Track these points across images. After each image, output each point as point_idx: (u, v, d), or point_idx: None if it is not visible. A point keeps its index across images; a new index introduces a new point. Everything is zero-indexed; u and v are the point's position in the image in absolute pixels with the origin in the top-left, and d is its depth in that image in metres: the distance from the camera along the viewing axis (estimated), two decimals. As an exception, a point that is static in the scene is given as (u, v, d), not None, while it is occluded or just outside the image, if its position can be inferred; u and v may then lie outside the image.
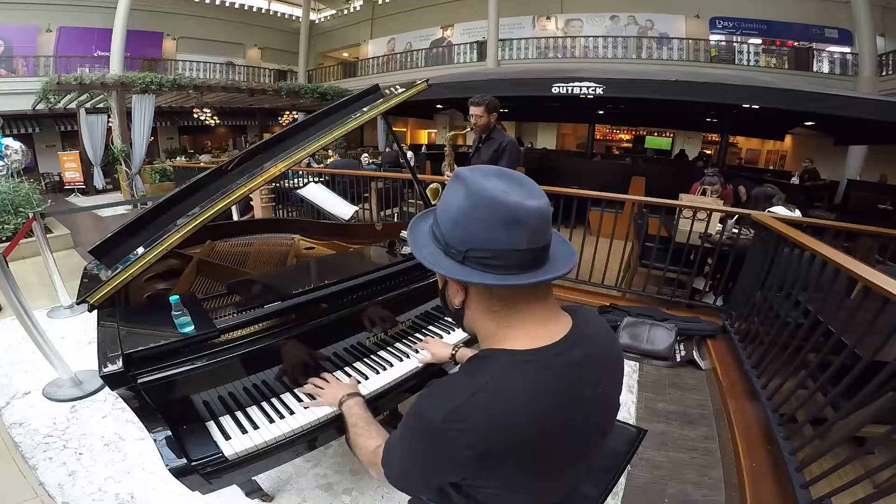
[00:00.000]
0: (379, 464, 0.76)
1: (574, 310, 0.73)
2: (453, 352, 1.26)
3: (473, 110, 2.85)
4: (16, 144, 4.88)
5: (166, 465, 0.99)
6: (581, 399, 0.66)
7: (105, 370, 0.97)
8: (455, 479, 0.64)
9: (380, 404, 1.32)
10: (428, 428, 0.63)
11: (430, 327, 1.60)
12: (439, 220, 0.67)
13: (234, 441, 1.07)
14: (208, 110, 15.11)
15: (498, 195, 0.60)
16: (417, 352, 1.40)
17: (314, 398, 1.19)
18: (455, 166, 3.20)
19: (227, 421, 1.13)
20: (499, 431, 0.60)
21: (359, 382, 1.31)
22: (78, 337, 2.86)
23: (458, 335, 1.54)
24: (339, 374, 1.35)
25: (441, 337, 1.55)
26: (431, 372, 1.37)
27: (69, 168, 10.67)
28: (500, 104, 2.89)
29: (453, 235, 0.64)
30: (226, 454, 1.04)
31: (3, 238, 4.37)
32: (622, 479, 1.71)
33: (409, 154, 8.04)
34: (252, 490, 1.55)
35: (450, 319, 1.60)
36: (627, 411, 2.22)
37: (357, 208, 2.87)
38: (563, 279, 3.52)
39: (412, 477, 0.72)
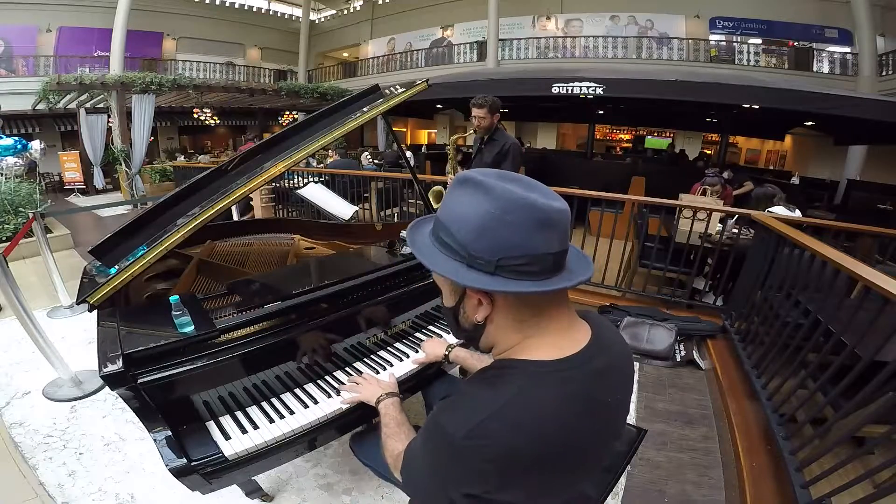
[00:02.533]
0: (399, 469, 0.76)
1: (589, 317, 0.72)
2: (447, 352, 1.25)
3: (476, 111, 2.81)
4: (35, 143, 5.02)
5: (166, 465, 0.99)
6: (603, 408, 0.66)
7: (105, 370, 0.97)
8: (476, 491, 0.61)
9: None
10: (449, 443, 0.61)
11: (431, 327, 1.60)
12: (453, 231, 0.61)
13: (234, 441, 1.08)
14: (208, 110, 15.09)
15: (529, 198, 0.58)
16: (417, 351, 1.39)
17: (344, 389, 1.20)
18: (458, 168, 3.20)
19: (227, 421, 1.13)
20: (523, 446, 0.58)
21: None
22: (78, 337, 2.86)
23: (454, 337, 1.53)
24: (339, 373, 1.35)
25: (441, 336, 1.55)
26: (430, 373, 1.37)
27: (69, 168, 10.65)
28: (502, 104, 2.87)
29: (479, 245, 0.59)
30: (226, 454, 1.04)
31: (3, 238, 4.37)
32: (622, 479, 1.71)
33: (409, 154, 8.03)
34: (252, 490, 1.55)
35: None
36: (627, 411, 2.22)
37: (357, 208, 2.86)
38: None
39: (430, 488, 0.69)
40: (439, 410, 0.67)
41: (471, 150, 3.21)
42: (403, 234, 1.78)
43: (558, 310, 0.65)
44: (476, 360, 1.16)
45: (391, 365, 1.38)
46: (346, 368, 1.37)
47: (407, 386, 1.35)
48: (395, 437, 0.89)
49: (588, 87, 5.55)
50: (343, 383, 1.30)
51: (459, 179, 0.64)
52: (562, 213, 0.59)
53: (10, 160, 4.85)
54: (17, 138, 5.13)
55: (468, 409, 0.62)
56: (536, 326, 0.64)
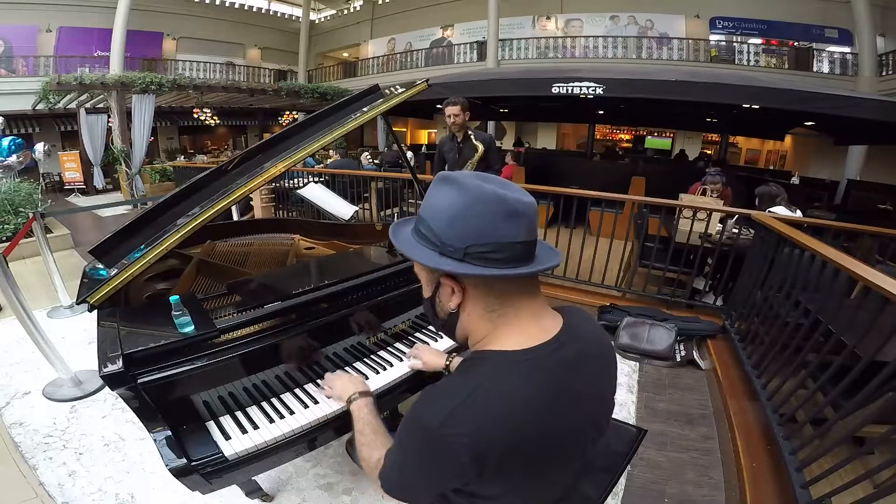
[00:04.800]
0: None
1: (564, 309, 0.74)
2: (447, 362, 1.23)
3: (451, 109, 2.99)
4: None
5: (166, 465, 0.99)
6: (575, 397, 0.67)
7: (105, 370, 0.97)
8: (457, 483, 0.63)
9: (380, 404, 1.31)
10: (426, 434, 0.63)
11: (430, 327, 1.60)
12: (429, 223, 0.66)
13: (234, 441, 1.07)
14: (208, 110, 15.08)
15: (497, 190, 0.62)
16: (402, 359, 1.35)
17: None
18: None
19: (227, 421, 1.13)
20: (496, 431, 0.60)
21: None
22: (78, 337, 2.86)
23: (449, 340, 1.51)
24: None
25: (442, 336, 1.54)
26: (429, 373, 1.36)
27: (69, 168, 10.65)
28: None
29: (450, 233, 0.63)
30: (226, 454, 1.04)
31: (3, 238, 4.37)
32: (622, 479, 1.71)
33: (409, 154, 8.04)
34: (252, 490, 1.55)
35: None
36: (627, 411, 2.22)
37: (357, 208, 2.86)
38: (564, 279, 3.53)
39: (414, 485, 0.71)
40: (415, 405, 0.68)
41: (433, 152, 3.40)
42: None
43: (526, 300, 0.68)
44: None
45: (391, 365, 1.38)
46: (347, 368, 1.37)
47: (409, 385, 1.35)
48: (372, 446, 0.85)
49: (588, 87, 5.54)
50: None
51: (437, 178, 0.68)
52: (528, 205, 0.64)
53: (10, 160, 4.88)
54: (11, 138, 5.14)
55: (441, 399, 0.64)
56: (505, 316, 0.67)
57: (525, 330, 0.67)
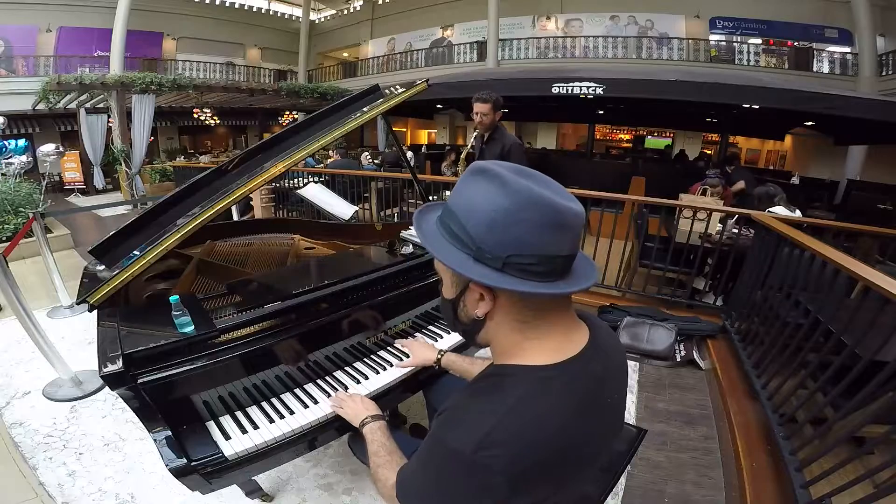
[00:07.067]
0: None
1: (586, 317, 0.72)
2: (439, 356, 1.23)
3: (480, 107, 2.65)
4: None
5: (166, 465, 0.99)
6: (601, 410, 0.66)
7: (105, 370, 0.97)
8: (488, 502, 0.60)
9: (380, 404, 1.31)
10: (458, 459, 0.58)
11: (430, 327, 1.60)
12: (463, 221, 0.59)
13: (234, 441, 1.08)
14: (208, 110, 15.08)
15: (546, 196, 0.56)
16: (401, 358, 1.35)
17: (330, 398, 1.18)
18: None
19: (227, 421, 1.13)
20: (532, 453, 0.57)
21: (358, 382, 1.31)
22: (78, 337, 2.86)
23: (448, 341, 1.51)
24: (339, 374, 1.35)
25: (441, 337, 1.55)
26: (426, 375, 1.36)
27: (69, 168, 10.66)
28: (504, 103, 2.79)
29: (489, 239, 0.57)
30: (226, 454, 1.04)
31: (3, 238, 4.37)
32: (622, 479, 1.71)
33: (409, 154, 8.03)
34: (252, 490, 1.56)
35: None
36: (627, 411, 2.21)
37: (357, 208, 2.86)
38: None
39: None
40: (438, 427, 0.65)
41: (471, 150, 3.04)
42: (403, 233, 1.78)
43: (559, 312, 0.64)
44: (468, 365, 1.15)
45: (391, 365, 1.38)
46: (346, 368, 1.37)
47: (409, 385, 1.35)
48: (388, 467, 0.82)
49: (588, 87, 5.56)
50: (343, 383, 1.31)
51: (474, 169, 0.61)
52: (578, 216, 0.58)
53: (17, 160, 4.92)
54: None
55: (471, 421, 0.60)
56: (536, 328, 0.63)
57: (556, 343, 0.63)
